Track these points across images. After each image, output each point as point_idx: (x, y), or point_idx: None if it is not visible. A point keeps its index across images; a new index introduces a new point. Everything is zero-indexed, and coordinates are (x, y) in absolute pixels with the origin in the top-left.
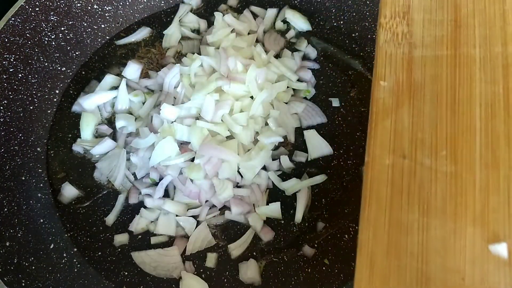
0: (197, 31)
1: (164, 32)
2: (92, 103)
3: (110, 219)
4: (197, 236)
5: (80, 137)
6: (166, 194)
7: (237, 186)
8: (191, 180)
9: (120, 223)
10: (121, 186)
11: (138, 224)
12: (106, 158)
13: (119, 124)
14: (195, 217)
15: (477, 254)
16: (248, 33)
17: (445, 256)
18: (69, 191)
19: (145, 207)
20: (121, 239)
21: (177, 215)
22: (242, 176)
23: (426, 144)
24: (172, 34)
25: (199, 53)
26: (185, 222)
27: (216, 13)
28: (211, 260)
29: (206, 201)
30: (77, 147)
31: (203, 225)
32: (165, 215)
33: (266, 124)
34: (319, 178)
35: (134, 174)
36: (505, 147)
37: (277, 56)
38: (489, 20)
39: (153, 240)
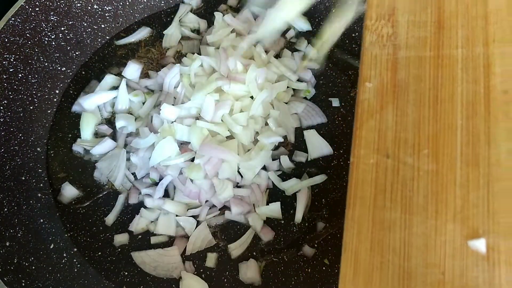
0: (197, 31)
1: (164, 32)
2: (92, 103)
3: (110, 219)
4: (197, 236)
5: (80, 137)
6: (166, 194)
7: (237, 186)
8: (191, 180)
9: (120, 223)
10: (121, 186)
11: (138, 224)
12: (106, 158)
13: (119, 124)
14: (195, 217)
15: (457, 249)
16: (248, 33)
17: (426, 252)
18: (69, 191)
19: (145, 207)
20: (121, 239)
21: (177, 215)
22: (242, 176)
23: (409, 143)
24: (172, 34)
25: (199, 53)
26: (185, 222)
27: (216, 13)
28: (211, 260)
29: (206, 201)
30: (77, 147)
31: (203, 225)
32: (165, 215)
33: (266, 124)
34: (319, 178)
35: (134, 174)
36: (485, 145)
37: (277, 56)
38: (471, 21)
39: (153, 240)
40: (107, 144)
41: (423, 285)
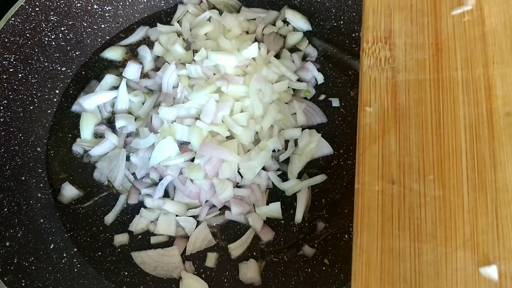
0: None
1: (159, 36)
2: (92, 103)
3: (110, 218)
4: (197, 236)
5: (80, 137)
6: (166, 194)
7: (237, 186)
8: (191, 180)
9: (120, 223)
10: (121, 186)
11: (138, 224)
12: (106, 158)
13: (119, 124)
14: (195, 217)
15: (469, 277)
16: (248, 33)
17: (437, 280)
18: (69, 191)
19: (145, 207)
20: (121, 239)
21: (177, 215)
22: (242, 176)
23: (414, 169)
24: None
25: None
26: (185, 222)
27: (212, 11)
28: (211, 260)
29: (206, 201)
30: (77, 147)
31: (203, 225)
32: (165, 215)
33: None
34: (319, 178)
35: (134, 174)
36: (491, 169)
37: (277, 56)
38: (469, 43)
39: (153, 240)
40: (106, 144)
41: None
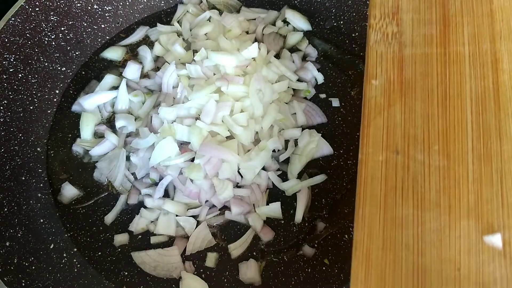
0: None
1: (159, 36)
2: (92, 103)
3: (109, 218)
4: (197, 236)
5: (80, 137)
6: (166, 194)
7: (237, 186)
8: (191, 180)
9: (120, 223)
10: (121, 186)
11: (138, 224)
12: (106, 158)
13: (119, 124)
14: (195, 217)
15: (472, 245)
16: (248, 33)
17: (441, 247)
18: (69, 191)
19: (145, 207)
20: (121, 239)
21: (177, 215)
22: (242, 176)
23: (419, 140)
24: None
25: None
26: (185, 222)
27: (212, 12)
28: (211, 260)
29: (206, 201)
30: (77, 147)
31: (203, 225)
32: (165, 215)
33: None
34: (319, 178)
35: (134, 174)
36: (497, 140)
37: (277, 56)
38: (477, 19)
39: (153, 240)
40: (106, 144)
41: (439, 282)
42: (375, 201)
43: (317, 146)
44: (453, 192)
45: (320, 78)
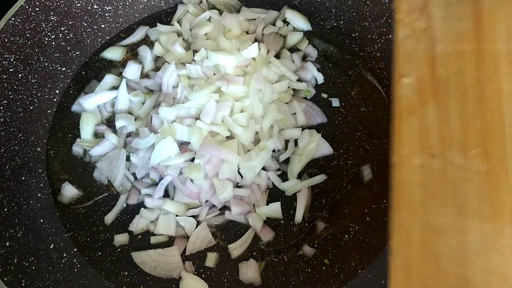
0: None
1: (159, 36)
2: (92, 103)
3: (109, 217)
4: (197, 236)
5: (80, 137)
6: (166, 194)
7: (237, 186)
8: (191, 180)
9: (120, 223)
10: (121, 186)
11: (138, 224)
12: (106, 158)
13: (119, 124)
14: (195, 217)
15: None
16: (248, 33)
17: (485, 258)
18: (69, 191)
19: (145, 207)
20: (121, 239)
21: (177, 215)
22: (242, 176)
23: (455, 142)
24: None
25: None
26: (185, 222)
27: (212, 12)
28: (211, 259)
29: (206, 201)
30: (77, 147)
31: (203, 225)
32: (165, 215)
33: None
34: (319, 178)
35: (134, 174)
36: None
37: (277, 56)
38: None
39: (153, 240)
40: (106, 144)
41: None
42: (412, 207)
43: (317, 146)
44: (495, 199)
45: (320, 78)
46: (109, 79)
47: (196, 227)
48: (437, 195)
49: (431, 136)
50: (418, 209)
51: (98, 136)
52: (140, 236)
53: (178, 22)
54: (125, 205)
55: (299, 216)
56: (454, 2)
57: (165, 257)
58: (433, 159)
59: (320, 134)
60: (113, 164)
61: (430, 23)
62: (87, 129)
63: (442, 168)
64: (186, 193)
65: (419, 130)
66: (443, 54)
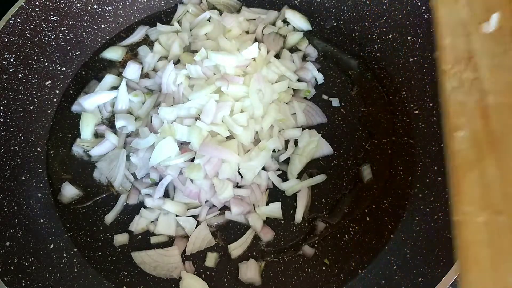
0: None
1: (159, 36)
2: (92, 103)
3: (109, 217)
4: (197, 236)
5: (80, 137)
6: (166, 194)
7: (237, 186)
8: (191, 180)
9: (120, 223)
10: (121, 186)
11: (138, 224)
12: (106, 158)
13: (119, 124)
14: (195, 217)
15: None
16: (248, 33)
17: None
18: (69, 191)
19: (145, 207)
20: (121, 239)
21: (177, 215)
22: (242, 176)
23: None
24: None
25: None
26: (185, 222)
27: (212, 11)
28: (211, 260)
29: (206, 201)
30: (76, 148)
31: (203, 225)
32: (165, 215)
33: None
34: (319, 178)
35: (134, 174)
36: None
37: (277, 56)
38: None
39: (153, 240)
40: (106, 144)
41: None
42: (483, 267)
43: (317, 146)
44: None
45: (320, 78)
46: (109, 79)
47: (196, 227)
48: (507, 254)
49: (494, 192)
50: (488, 269)
51: (98, 136)
52: (140, 236)
53: (178, 22)
54: (125, 205)
55: (299, 216)
56: (500, 53)
57: (165, 257)
58: (499, 216)
59: (320, 134)
60: (113, 164)
61: (478, 74)
62: (87, 129)
63: (509, 225)
64: (186, 193)
65: (480, 186)
66: (495, 106)
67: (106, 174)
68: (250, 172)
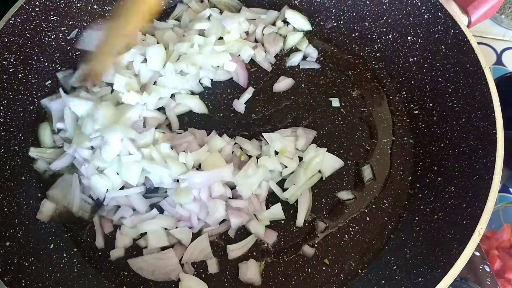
0: None
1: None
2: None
3: (99, 241)
4: (195, 246)
5: (36, 146)
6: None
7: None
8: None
9: (112, 240)
10: (81, 210)
11: (121, 242)
12: (56, 185)
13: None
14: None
15: None
16: (248, 33)
17: None
18: (48, 207)
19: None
20: (116, 253)
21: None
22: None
23: None
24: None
25: None
26: (179, 234)
27: (213, 10)
28: (213, 266)
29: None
30: (39, 163)
31: (204, 237)
32: (153, 229)
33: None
34: (319, 178)
35: (91, 197)
36: None
37: (277, 56)
38: None
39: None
40: (67, 158)
41: None
42: None
43: (326, 162)
44: None
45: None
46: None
47: (194, 236)
48: None
49: None
50: None
51: (57, 146)
52: (135, 243)
53: (176, 19)
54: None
55: (300, 219)
56: None
57: (162, 260)
58: None
59: (325, 149)
60: (66, 191)
61: None
62: (44, 134)
63: None
64: (177, 217)
65: None
66: None
67: (61, 202)
68: (247, 189)
